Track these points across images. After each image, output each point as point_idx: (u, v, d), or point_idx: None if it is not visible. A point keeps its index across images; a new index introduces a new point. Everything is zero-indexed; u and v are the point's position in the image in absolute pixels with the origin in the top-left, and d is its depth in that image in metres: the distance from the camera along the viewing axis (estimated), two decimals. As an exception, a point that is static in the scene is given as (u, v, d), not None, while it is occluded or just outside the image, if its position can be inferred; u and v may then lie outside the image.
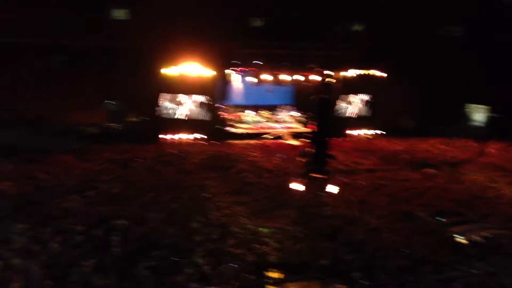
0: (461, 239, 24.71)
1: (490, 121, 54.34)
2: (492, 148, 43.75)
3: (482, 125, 53.74)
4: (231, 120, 46.76)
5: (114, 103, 46.41)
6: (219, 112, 45.22)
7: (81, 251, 20.69)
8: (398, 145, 44.15)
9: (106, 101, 45.82)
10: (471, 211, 28.40)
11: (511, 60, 51.36)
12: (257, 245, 22.75)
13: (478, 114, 55.74)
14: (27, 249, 20.46)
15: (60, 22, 42.84)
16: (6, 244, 21.04)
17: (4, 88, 41.01)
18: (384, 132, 48.31)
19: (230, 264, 21.03)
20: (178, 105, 43.86)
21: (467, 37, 54.75)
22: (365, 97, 49.64)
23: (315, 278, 18.34)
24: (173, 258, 20.68)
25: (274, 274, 20.73)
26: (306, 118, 45.32)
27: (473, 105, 56.49)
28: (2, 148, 33.73)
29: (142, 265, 20.11)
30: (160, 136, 41.63)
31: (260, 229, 22.69)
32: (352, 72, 47.00)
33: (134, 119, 45.92)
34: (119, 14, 48.61)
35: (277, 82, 46.51)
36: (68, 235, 21.67)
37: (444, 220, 26.23)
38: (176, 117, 43.57)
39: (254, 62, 45.27)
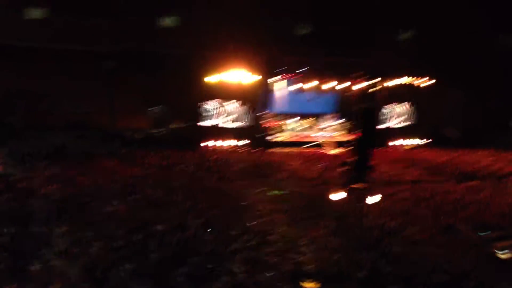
0: (504, 255, 23.93)
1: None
2: (543, 161, 42.27)
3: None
4: (273, 128, 46.80)
5: (159, 109, 47.27)
6: (262, 120, 45.36)
7: (120, 255, 21.09)
8: (443, 156, 43.17)
9: (151, 107, 46.71)
10: (516, 227, 27.56)
11: None
12: (294, 255, 22.67)
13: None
14: (68, 252, 21.02)
15: (106, 29, 43.98)
16: (48, 247, 21.68)
17: (53, 93, 42.34)
18: (429, 142, 47.38)
19: (267, 273, 21.04)
20: (220, 112, 44.35)
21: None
22: (410, 105, 48.90)
23: (351, 289, 18.07)
24: (209, 266, 20.83)
25: (310, 285, 20.59)
26: (349, 127, 44.99)
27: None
28: (48, 152, 34.79)
29: (179, 271, 20.31)
30: (202, 143, 42.08)
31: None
32: (397, 80, 46.37)
33: (177, 125, 46.63)
34: (166, 21, 49.50)
35: (321, 90, 46.33)
36: (108, 239, 22.13)
37: (487, 234, 25.46)
38: (218, 124, 44.02)
39: (298, 69, 45.26)
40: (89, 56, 44.49)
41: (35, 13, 45.08)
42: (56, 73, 42.55)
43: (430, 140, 47.58)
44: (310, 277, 20.86)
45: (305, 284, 20.29)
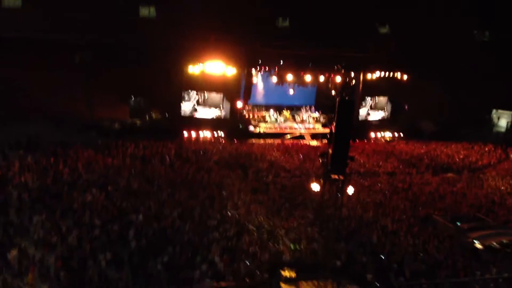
0: (478, 245, 24.46)
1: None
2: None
3: (506, 130, 52.87)
4: (253, 119, 46.83)
5: (136, 100, 46.86)
6: (241, 111, 45.34)
7: (97, 244, 20.98)
8: (419, 148, 43.71)
9: (128, 98, 46.27)
10: (490, 217, 28.11)
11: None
12: (272, 244, 22.82)
13: (503, 120, 54.86)
14: (45, 240, 20.83)
15: (85, 20, 43.26)
16: (24, 235, 21.45)
17: (29, 83, 41.55)
18: (406, 134, 47.90)
19: (245, 262, 21.14)
20: (200, 103, 44.14)
21: (494, 42, 53.87)
22: (388, 99, 49.38)
23: (328, 278, 18.31)
24: (187, 255, 20.84)
25: (288, 273, 20.76)
26: (327, 119, 45.18)
27: (498, 111, 55.62)
28: (24, 141, 34.30)
29: (157, 260, 20.31)
30: (181, 133, 41.84)
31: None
32: (375, 74, 46.71)
33: (156, 116, 46.31)
34: (146, 12, 48.93)
35: (300, 83, 46.47)
36: (86, 229, 21.99)
37: (463, 225, 25.97)
38: (198, 115, 43.84)
39: (277, 62, 45.28)
40: (66, 47, 43.65)
41: (11, 2, 44.17)
42: (32, 63, 41.60)
43: (408, 133, 48.02)
44: (288, 265, 21.06)
45: (283, 273, 20.48)
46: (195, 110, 43.85)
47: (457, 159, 40.84)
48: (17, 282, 18.02)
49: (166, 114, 45.98)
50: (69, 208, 24.23)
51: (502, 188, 34.04)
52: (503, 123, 54.43)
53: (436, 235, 25.06)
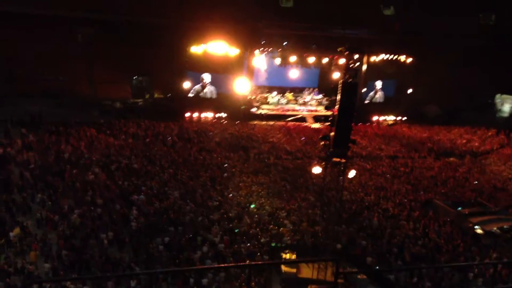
0: (478, 230, 24.49)
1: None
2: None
3: (509, 115, 52.59)
4: (255, 100, 46.63)
5: (139, 79, 46.67)
6: (244, 93, 45.11)
7: (99, 223, 21.07)
8: (422, 132, 43.61)
9: (131, 77, 46.09)
10: (491, 203, 28.12)
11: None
12: (273, 226, 22.87)
13: (506, 105, 54.53)
14: (47, 219, 20.91)
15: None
16: (27, 213, 21.54)
17: (31, 60, 41.34)
18: (409, 118, 47.74)
19: (246, 244, 21.22)
20: (203, 83, 43.93)
21: (501, 25, 53.33)
22: (392, 82, 49.05)
23: (328, 260, 18.38)
24: (189, 235, 20.93)
25: (289, 255, 20.85)
26: (330, 101, 44.94)
27: (503, 95, 55.25)
28: (27, 119, 34.27)
29: (158, 240, 20.41)
30: (184, 114, 41.71)
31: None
32: (380, 57, 46.35)
33: (158, 95, 46.16)
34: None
35: (303, 64, 46.15)
36: (88, 208, 22.05)
37: (464, 209, 25.98)
38: (200, 95, 43.67)
39: (281, 43, 44.93)
40: (69, 24, 43.35)
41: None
42: (35, 40, 41.41)
43: (411, 117, 47.81)
44: (288, 248, 21.13)
45: (284, 255, 20.56)
46: (199, 90, 43.64)
47: (460, 144, 40.74)
48: (19, 260, 18.17)
49: (169, 94, 45.85)
50: (71, 187, 24.34)
51: (504, 173, 34.00)
52: (506, 108, 54.12)
53: (436, 220, 25.10)
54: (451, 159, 36.83)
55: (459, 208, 26.16)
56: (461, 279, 19.55)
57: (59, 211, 21.38)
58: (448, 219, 25.29)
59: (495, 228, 24.51)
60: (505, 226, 24.65)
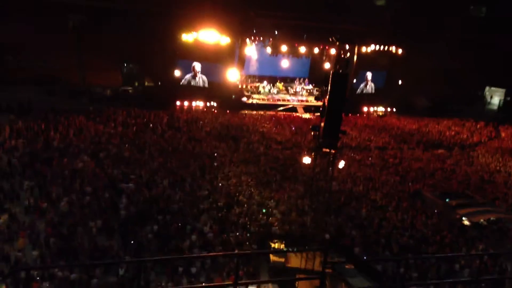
0: (466, 221, 24.74)
1: (505, 104, 53.61)
2: (505, 131, 43.29)
3: (498, 108, 53.03)
4: (246, 90, 46.57)
5: (130, 66, 46.42)
6: (234, 81, 45.01)
7: (88, 211, 21.02)
8: (411, 124, 43.81)
9: (122, 64, 45.84)
10: (479, 194, 28.38)
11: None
12: (262, 216, 22.96)
13: (495, 97, 54.95)
14: (35, 206, 20.82)
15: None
16: (15, 200, 21.42)
17: (20, 46, 40.94)
18: (399, 110, 47.97)
19: (235, 233, 21.29)
20: (194, 72, 43.76)
21: (492, 18, 53.52)
22: (382, 73, 49.16)
23: (318, 250, 18.48)
24: (178, 224, 20.95)
25: (277, 244, 20.95)
26: (320, 92, 44.92)
27: (492, 88, 55.65)
28: (15, 106, 34.01)
29: (147, 228, 20.41)
30: (174, 102, 41.57)
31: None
32: (370, 48, 46.40)
33: (149, 83, 45.95)
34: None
35: (294, 54, 46.12)
36: (76, 195, 21.98)
37: (452, 201, 26.20)
38: (192, 84, 43.51)
39: (272, 32, 44.84)
40: (60, 10, 42.95)
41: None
42: (24, 26, 41.00)
43: (401, 108, 48.06)
44: (277, 237, 21.22)
45: (272, 245, 20.64)
46: (189, 79, 43.46)
47: (448, 136, 41.01)
48: (7, 248, 18.10)
49: (159, 82, 45.67)
50: (60, 174, 24.22)
51: (492, 165, 34.31)
52: (495, 100, 54.56)
53: (424, 211, 25.30)
54: (440, 150, 37.07)
55: (447, 200, 26.38)
56: (447, 270, 19.77)
57: (47, 199, 21.31)
58: (436, 211, 25.50)
59: (482, 220, 24.76)
60: (491, 218, 24.91)
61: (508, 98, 54.45)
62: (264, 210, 23.12)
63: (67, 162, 25.38)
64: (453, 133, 41.99)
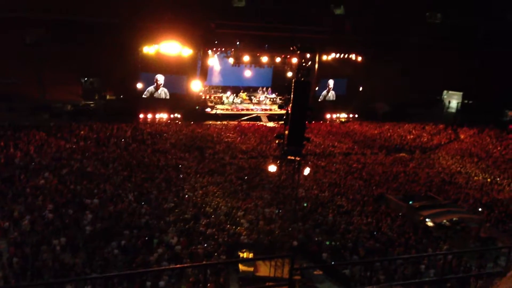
0: (429, 223, 25.24)
1: (463, 107, 55.12)
2: (463, 134, 44.43)
3: (456, 111, 54.43)
4: (209, 100, 46.57)
5: (90, 80, 45.84)
6: (198, 93, 44.97)
7: (51, 229, 20.58)
8: (373, 129, 44.52)
9: (82, 79, 45.24)
10: (441, 196, 29.01)
11: (489, 47, 51.92)
12: (229, 226, 22.91)
13: (453, 101, 56.42)
14: (-4, 226, 20.31)
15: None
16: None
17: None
18: (360, 116, 48.71)
19: (203, 244, 21.17)
20: (156, 84, 43.50)
21: (447, 23, 54.99)
22: (344, 81, 49.89)
23: (285, 257, 18.56)
24: (144, 238, 20.70)
25: (246, 254, 20.94)
26: (284, 100, 45.23)
27: (449, 92, 57.12)
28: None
29: (113, 244, 20.10)
30: (137, 115, 41.27)
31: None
32: (331, 56, 47.09)
33: (110, 97, 45.45)
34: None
35: (257, 64, 46.43)
36: (39, 213, 21.51)
37: (414, 203, 26.69)
38: (154, 96, 43.24)
39: (233, 43, 45.06)
40: (16, 25, 42.18)
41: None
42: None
43: (362, 114, 48.82)
44: (245, 247, 21.20)
45: (241, 254, 20.62)
46: (151, 91, 43.19)
47: (409, 139, 41.85)
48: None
49: (121, 95, 45.23)
50: (21, 192, 23.67)
51: (452, 167, 35.13)
52: (453, 104, 56.00)
53: (389, 214, 25.71)
54: (402, 154, 37.79)
55: (410, 202, 26.87)
56: (413, 271, 20.10)
57: (9, 218, 20.79)
58: (400, 213, 25.95)
59: (445, 221, 25.32)
60: (454, 218, 25.48)
61: (465, 101, 55.97)
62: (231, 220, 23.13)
63: (29, 180, 24.85)
64: (413, 136, 42.87)
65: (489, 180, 32.86)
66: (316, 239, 22.46)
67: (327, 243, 22.49)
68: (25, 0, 42.33)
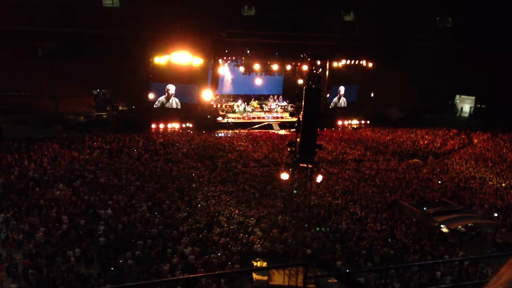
0: (444, 229, 25.01)
1: (476, 112, 54.67)
2: (477, 138, 44.04)
3: (469, 115, 54.05)
4: (220, 109, 46.68)
5: (103, 91, 46.20)
6: (209, 102, 45.11)
7: (66, 240, 20.67)
8: (385, 135, 44.28)
9: (94, 90, 45.60)
10: (455, 201, 28.76)
11: (501, 51, 51.61)
12: (243, 235, 22.86)
13: (465, 105, 56.01)
14: (11, 238, 20.43)
15: (49, 9, 42.23)
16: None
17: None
18: (372, 122, 48.51)
19: (216, 253, 21.14)
20: (168, 94, 43.73)
21: (457, 28, 54.81)
22: (355, 87, 49.79)
23: (299, 265, 18.48)
24: (158, 248, 20.72)
25: (259, 263, 20.86)
26: (295, 108, 45.24)
27: (462, 96, 56.77)
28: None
29: (127, 255, 20.14)
30: (149, 125, 41.44)
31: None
32: (342, 62, 47.01)
33: (123, 108, 45.72)
34: (109, 1, 47.99)
35: (267, 72, 46.52)
36: (53, 225, 21.63)
37: (428, 209, 26.49)
38: (166, 106, 43.44)
39: (244, 51, 45.20)
40: (29, 38, 42.67)
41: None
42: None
43: (374, 120, 48.61)
44: (259, 255, 21.14)
45: (254, 263, 20.55)
46: (163, 101, 43.41)
47: (422, 145, 41.57)
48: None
49: (133, 106, 45.49)
50: (35, 204, 23.83)
51: (466, 172, 34.84)
52: (466, 108, 55.58)
53: (403, 220, 25.52)
54: (415, 160, 37.54)
55: (424, 208, 26.67)
56: (429, 278, 19.91)
57: (24, 230, 20.92)
58: (414, 219, 25.76)
59: (460, 226, 25.08)
60: (469, 224, 25.24)
61: (478, 106, 55.54)
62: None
63: (43, 191, 25.01)
64: (426, 142, 42.57)
65: (503, 184, 32.56)
66: (330, 247, 22.34)
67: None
68: (37, 13, 42.74)
